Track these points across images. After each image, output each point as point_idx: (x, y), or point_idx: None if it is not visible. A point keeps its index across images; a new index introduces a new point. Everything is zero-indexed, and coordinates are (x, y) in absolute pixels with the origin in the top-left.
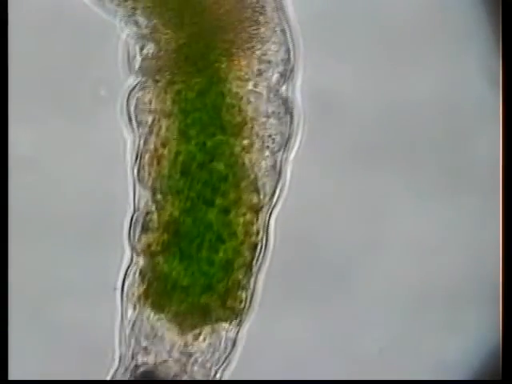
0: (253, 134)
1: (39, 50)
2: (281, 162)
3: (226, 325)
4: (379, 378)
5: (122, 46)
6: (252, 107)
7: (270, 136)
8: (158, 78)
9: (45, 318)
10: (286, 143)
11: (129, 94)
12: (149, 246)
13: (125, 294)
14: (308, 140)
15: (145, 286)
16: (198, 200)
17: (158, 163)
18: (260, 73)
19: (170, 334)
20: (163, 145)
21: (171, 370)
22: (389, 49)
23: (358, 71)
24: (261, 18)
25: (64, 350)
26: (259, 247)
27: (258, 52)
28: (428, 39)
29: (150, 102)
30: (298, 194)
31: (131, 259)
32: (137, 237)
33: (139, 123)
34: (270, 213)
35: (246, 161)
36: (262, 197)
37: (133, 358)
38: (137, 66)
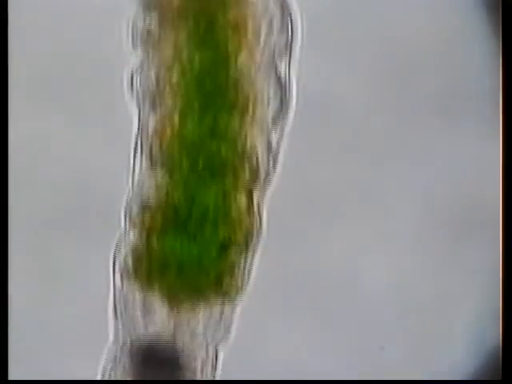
0: (254, 112)
1: (39, 50)
2: (277, 141)
3: (221, 303)
4: (379, 377)
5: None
6: (253, 84)
7: (270, 114)
8: (160, 49)
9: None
10: (282, 118)
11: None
12: (145, 222)
13: (121, 270)
14: (302, 121)
15: (140, 262)
16: (198, 177)
17: (160, 139)
18: (264, 45)
19: (164, 310)
20: (165, 120)
21: (167, 347)
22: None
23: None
24: None
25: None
26: (255, 227)
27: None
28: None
29: (153, 76)
30: (292, 175)
31: (126, 234)
32: (134, 212)
33: (142, 98)
34: (265, 193)
35: (246, 138)
36: (258, 176)
37: (128, 333)
38: (139, 39)
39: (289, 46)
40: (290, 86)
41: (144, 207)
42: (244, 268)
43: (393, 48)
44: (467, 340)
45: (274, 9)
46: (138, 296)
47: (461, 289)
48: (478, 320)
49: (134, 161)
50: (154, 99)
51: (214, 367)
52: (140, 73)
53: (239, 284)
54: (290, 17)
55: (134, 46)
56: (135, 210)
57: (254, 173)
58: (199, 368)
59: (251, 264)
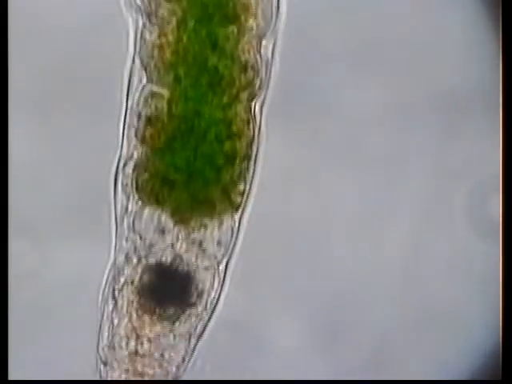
0: (248, 23)
1: (39, 50)
2: (272, 55)
3: (228, 217)
4: (379, 377)
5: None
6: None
7: (264, 24)
8: None
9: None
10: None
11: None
12: (146, 137)
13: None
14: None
15: (143, 178)
16: (199, 91)
17: (160, 53)
18: None
19: (171, 227)
20: (165, 34)
21: (175, 265)
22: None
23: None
24: None
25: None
26: (255, 140)
27: None
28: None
29: None
30: (287, 85)
31: (128, 152)
32: (136, 128)
33: (142, 12)
34: (264, 103)
35: (244, 52)
36: (256, 86)
37: (138, 254)
38: None
39: None
40: None
41: (145, 123)
42: (248, 177)
43: (393, 48)
44: (467, 340)
45: None
46: (143, 214)
47: (461, 289)
48: (478, 320)
49: (129, 78)
50: (149, 14)
51: (222, 284)
52: None
53: (245, 193)
54: None
55: None
56: (136, 126)
57: (252, 83)
58: (208, 284)
59: (254, 173)
